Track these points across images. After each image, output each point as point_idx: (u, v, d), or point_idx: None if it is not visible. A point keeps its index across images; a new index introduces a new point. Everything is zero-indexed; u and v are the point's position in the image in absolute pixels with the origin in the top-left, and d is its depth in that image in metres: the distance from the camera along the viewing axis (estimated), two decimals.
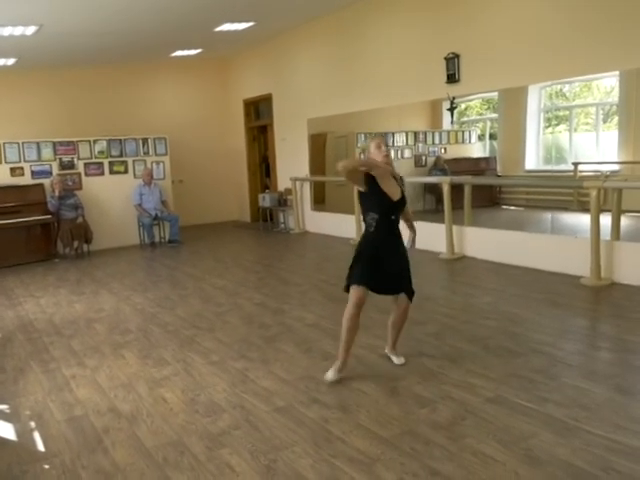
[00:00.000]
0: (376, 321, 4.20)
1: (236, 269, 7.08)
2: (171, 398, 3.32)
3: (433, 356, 3.69)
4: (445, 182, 6.80)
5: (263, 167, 11.57)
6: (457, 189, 6.86)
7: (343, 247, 7.68)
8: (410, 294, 3.50)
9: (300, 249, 8.50)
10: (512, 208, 7.89)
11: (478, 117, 8.68)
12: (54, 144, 8.88)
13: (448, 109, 7.19)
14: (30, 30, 7.04)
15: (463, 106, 8.40)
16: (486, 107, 8.57)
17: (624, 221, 5.67)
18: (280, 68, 9.98)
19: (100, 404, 3.30)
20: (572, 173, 6.85)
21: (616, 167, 6.51)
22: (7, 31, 6.96)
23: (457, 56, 6.69)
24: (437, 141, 8.69)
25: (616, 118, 6.87)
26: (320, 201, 9.54)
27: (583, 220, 5.47)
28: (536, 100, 7.23)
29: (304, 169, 9.45)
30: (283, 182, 10.15)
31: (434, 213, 7.63)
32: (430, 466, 2.44)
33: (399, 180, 3.44)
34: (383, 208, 3.32)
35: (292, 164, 9.75)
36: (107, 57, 9.55)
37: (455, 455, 2.51)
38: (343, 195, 8.37)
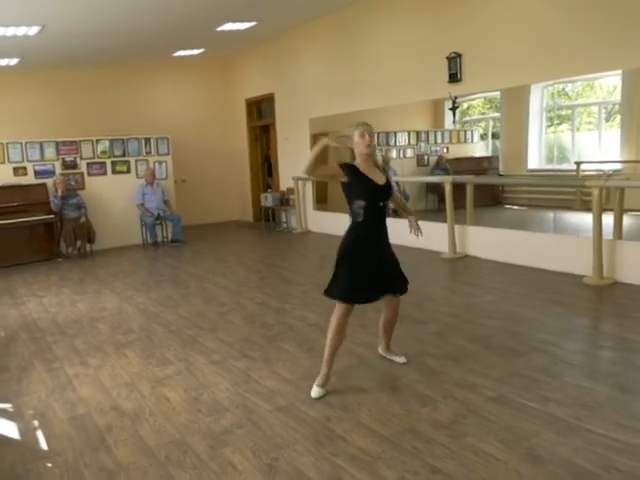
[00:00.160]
0: (374, 320, 4.18)
1: (238, 269, 7.09)
2: (174, 397, 3.33)
3: (435, 355, 3.69)
4: (447, 181, 6.80)
5: (265, 167, 11.58)
6: (459, 188, 6.86)
7: None
8: (403, 287, 3.39)
9: (302, 249, 8.51)
10: (515, 207, 7.89)
11: (480, 116, 8.67)
12: (57, 144, 8.91)
13: (450, 108, 7.18)
14: (33, 30, 7.06)
15: (465, 105, 8.40)
16: (488, 106, 8.56)
17: (626, 220, 5.66)
18: (282, 68, 9.99)
19: (103, 403, 3.31)
20: (574, 172, 6.84)
21: (618, 166, 6.50)
22: (10, 31, 6.99)
23: (459, 55, 6.69)
24: (439, 140, 8.69)
25: (619, 117, 6.86)
26: (322, 201, 9.54)
27: (586, 219, 5.46)
28: (538, 99, 7.22)
29: None
30: (285, 182, 10.16)
31: (436, 212, 7.63)
32: (431, 464, 2.44)
33: (383, 171, 3.35)
34: (370, 193, 3.18)
35: (294, 164, 9.74)
36: (110, 57, 9.57)
37: (456, 454, 2.52)
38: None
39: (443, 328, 4.25)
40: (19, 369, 3.97)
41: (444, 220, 6.79)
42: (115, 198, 9.24)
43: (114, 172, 9.33)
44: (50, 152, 8.85)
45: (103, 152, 9.25)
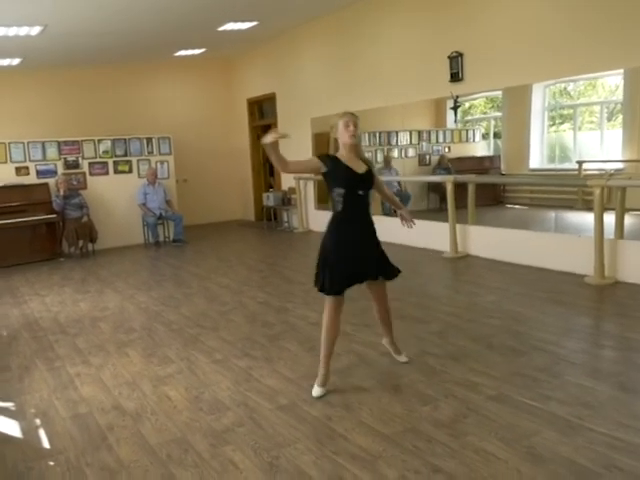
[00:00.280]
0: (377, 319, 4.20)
1: (240, 268, 7.10)
2: (175, 396, 3.34)
3: (436, 354, 3.70)
4: (449, 181, 6.79)
5: (267, 166, 11.56)
6: (461, 188, 6.85)
7: None
8: (389, 273, 3.30)
9: (304, 248, 8.51)
10: (516, 207, 7.88)
11: (482, 116, 8.67)
12: (59, 144, 8.93)
13: (452, 108, 7.19)
14: (35, 30, 7.08)
15: (467, 105, 8.40)
16: (490, 106, 8.56)
17: (628, 220, 5.66)
18: (284, 67, 10.00)
19: (104, 402, 3.32)
20: (576, 172, 6.84)
21: (620, 166, 6.49)
22: (13, 31, 7.01)
23: (461, 55, 6.68)
24: (441, 140, 8.69)
25: (621, 117, 6.85)
26: (324, 200, 9.53)
27: (587, 219, 5.46)
28: (540, 98, 7.22)
29: None
30: (287, 181, 10.17)
31: (438, 212, 7.63)
32: (432, 463, 2.45)
33: (369, 163, 3.28)
34: (348, 181, 3.12)
35: None
36: (111, 57, 9.58)
37: (457, 452, 2.52)
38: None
39: (444, 327, 4.25)
40: (21, 368, 3.99)
41: (446, 219, 6.79)
42: (117, 198, 9.25)
43: (116, 172, 9.35)
44: (52, 152, 8.87)
45: (105, 152, 9.26)
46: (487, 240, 6.57)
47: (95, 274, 7.22)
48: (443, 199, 7.17)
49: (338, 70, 8.68)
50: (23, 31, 7.05)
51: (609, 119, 6.97)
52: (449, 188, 6.72)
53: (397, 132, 8.63)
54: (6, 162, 8.56)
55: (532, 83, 6.79)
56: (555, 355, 3.58)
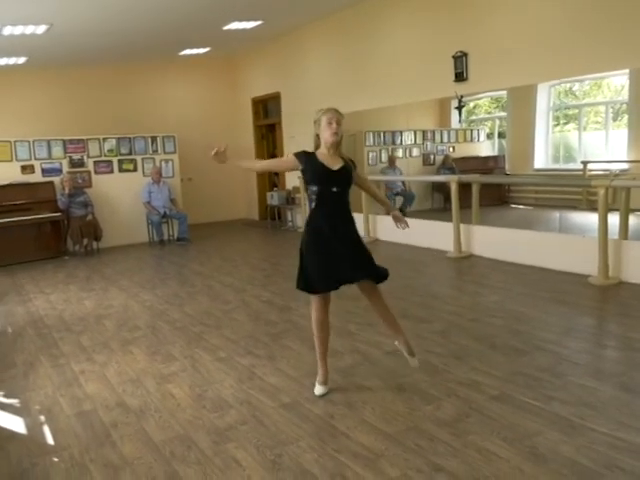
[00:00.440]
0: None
1: (244, 267, 7.12)
2: (179, 394, 3.35)
3: (439, 354, 3.70)
4: (453, 181, 6.79)
5: None
6: (465, 188, 6.85)
7: None
8: (377, 276, 3.13)
9: None
10: (521, 207, 7.88)
11: (487, 115, 8.67)
12: (64, 142, 8.96)
13: (456, 107, 7.18)
14: (41, 29, 7.11)
15: (472, 105, 8.40)
16: (495, 105, 8.55)
17: (632, 220, 5.65)
18: (288, 67, 10.01)
19: (109, 399, 3.34)
20: (581, 172, 6.83)
21: (625, 166, 6.48)
22: (19, 30, 7.04)
23: (465, 55, 6.68)
24: (445, 139, 8.69)
25: (626, 117, 6.84)
26: None
27: (591, 219, 5.45)
28: (545, 98, 7.21)
29: None
30: (291, 180, 10.17)
31: (442, 212, 7.64)
32: (434, 462, 2.45)
33: (351, 163, 3.17)
34: (321, 177, 3.03)
35: None
36: (116, 56, 9.61)
37: (459, 451, 2.52)
38: (350, 193, 8.38)
39: (447, 327, 4.25)
40: (26, 365, 4.01)
41: (450, 219, 6.78)
42: (122, 196, 9.28)
43: (121, 170, 9.38)
44: (57, 150, 8.91)
45: (110, 150, 9.29)
46: (491, 240, 6.56)
47: (100, 272, 7.25)
48: (447, 199, 7.17)
49: (343, 70, 8.68)
50: (29, 30, 7.08)
51: (614, 119, 6.96)
52: (453, 188, 6.71)
53: (401, 132, 8.64)
54: (11, 160, 8.60)
55: (537, 83, 6.79)
56: (558, 355, 3.58)
